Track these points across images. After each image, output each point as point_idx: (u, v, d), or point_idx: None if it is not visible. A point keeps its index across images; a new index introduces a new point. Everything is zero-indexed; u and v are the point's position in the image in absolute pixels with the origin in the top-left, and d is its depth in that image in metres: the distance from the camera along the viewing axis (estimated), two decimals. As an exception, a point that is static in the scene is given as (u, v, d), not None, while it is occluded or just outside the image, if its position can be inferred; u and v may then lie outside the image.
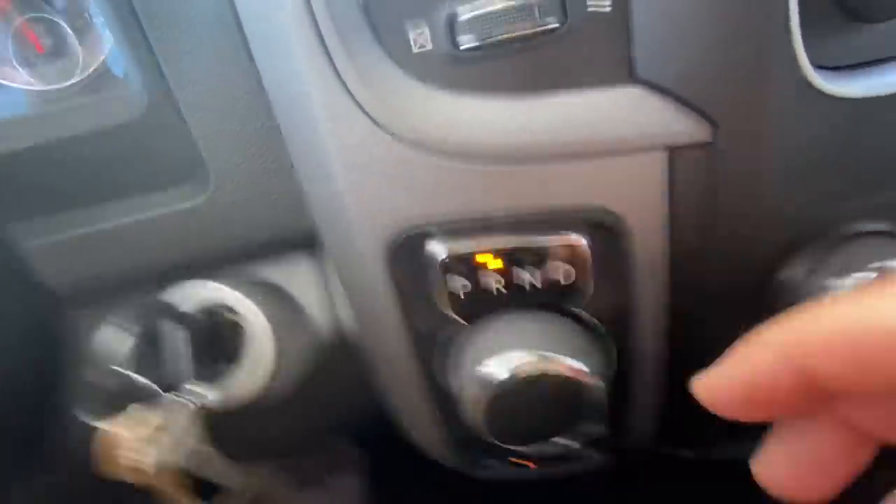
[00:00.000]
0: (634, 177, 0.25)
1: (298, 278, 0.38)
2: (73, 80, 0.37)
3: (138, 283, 0.37)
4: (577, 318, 0.29)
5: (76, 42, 0.37)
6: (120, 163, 0.34)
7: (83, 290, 0.37)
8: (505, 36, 0.23)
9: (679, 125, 0.24)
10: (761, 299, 0.28)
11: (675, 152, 0.24)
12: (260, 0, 0.25)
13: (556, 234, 0.26)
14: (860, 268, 0.25)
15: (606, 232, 0.26)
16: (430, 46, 0.23)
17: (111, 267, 0.37)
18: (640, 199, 0.26)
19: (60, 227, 0.35)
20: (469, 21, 0.22)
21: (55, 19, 0.37)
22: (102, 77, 0.37)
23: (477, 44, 0.23)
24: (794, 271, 0.27)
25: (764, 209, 0.26)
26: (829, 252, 0.27)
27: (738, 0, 0.21)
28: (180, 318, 0.33)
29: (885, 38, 0.24)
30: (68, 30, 0.37)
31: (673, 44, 0.22)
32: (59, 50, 0.37)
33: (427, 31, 0.23)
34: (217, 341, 0.36)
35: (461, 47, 0.23)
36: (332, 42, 0.23)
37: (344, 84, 0.24)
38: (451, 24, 0.23)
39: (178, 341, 0.32)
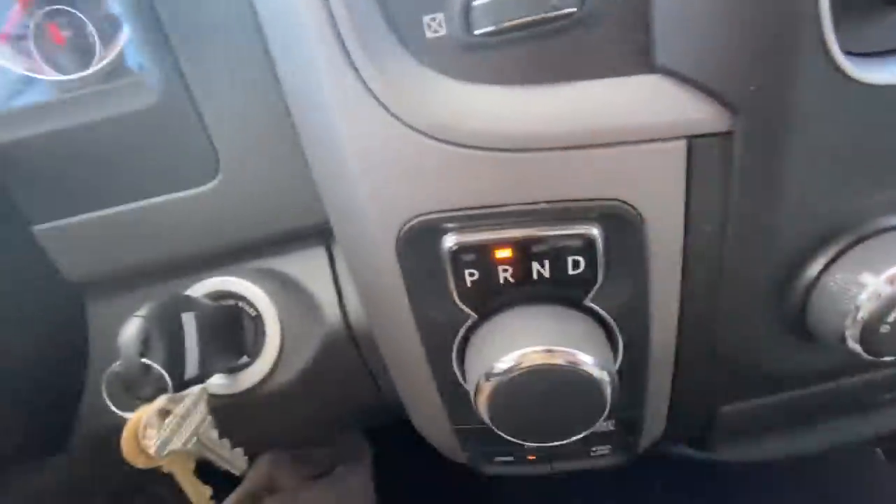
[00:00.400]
0: (652, 167, 0.24)
1: (309, 269, 0.38)
2: (90, 71, 0.37)
3: (154, 274, 0.38)
4: (586, 311, 0.28)
5: (95, 34, 0.38)
6: (134, 150, 0.34)
7: (101, 281, 0.38)
8: (520, 21, 0.22)
9: (699, 114, 0.23)
10: (786, 297, 0.27)
11: (694, 142, 0.24)
12: None
13: (569, 226, 0.26)
14: (889, 265, 0.24)
15: (620, 224, 0.26)
16: (443, 32, 0.23)
17: (126, 255, 0.37)
18: (656, 191, 0.25)
19: (75, 211, 0.36)
20: (484, 6, 0.22)
21: (75, 12, 0.37)
22: (118, 68, 0.37)
23: (492, 28, 0.22)
24: (823, 267, 0.26)
25: (787, 201, 0.25)
26: (860, 247, 0.26)
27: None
28: (195, 308, 0.33)
29: None
30: (87, 22, 0.38)
31: (694, 29, 0.22)
32: (78, 42, 0.38)
33: (441, 17, 0.23)
34: (227, 330, 0.37)
35: (476, 32, 0.22)
36: (346, 30, 0.23)
37: (357, 72, 0.24)
38: (466, 10, 0.22)
39: (192, 331, 0.32)
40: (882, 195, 0.25)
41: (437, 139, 0.24)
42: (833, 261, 0.26)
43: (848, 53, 0.22)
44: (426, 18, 0.23)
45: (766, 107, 0.23)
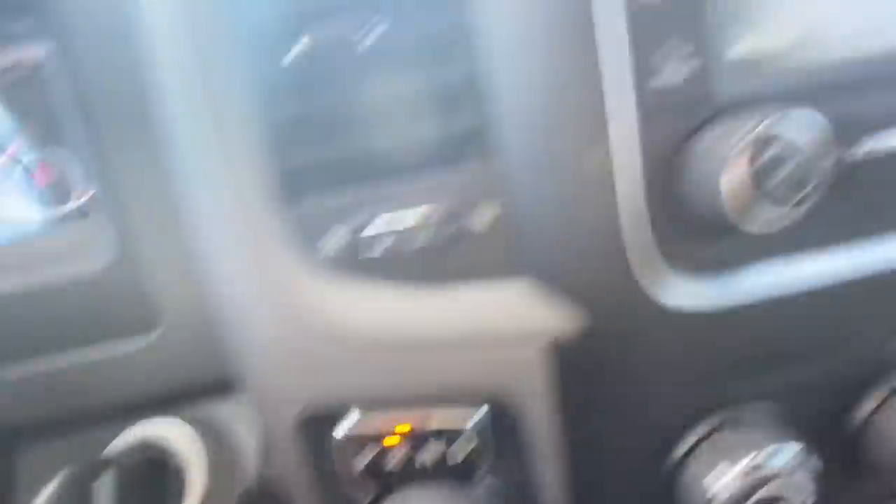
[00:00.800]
0: (523, 362, 0.27)
1: (235, 418, 0.39)
2: (65, 209, 0.40)
3: (85, 422, 0.39)
4: (479, 491, 0.30)
5: (73, 176, 0.41)
6: (81, 305, 0.36)
7: (31, 429, 0.39)
8: (400, 248, 0.26)
9: (561, 315, 0.26)
10: (658, 478, 0.29)
11: (558, 339, 0.27)
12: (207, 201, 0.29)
13: (453, 414, 0.28)
14: (743, 456, 0.27)
15: (501, 410, 0.28)
16: (333, 254, 0.27)
17: (58, 404, 0.38)
18: (530, 383, 0.28)
19: (14, 360, 0.37)
20: (366, 239, 0.26)
21: (58, 158, 0.41)
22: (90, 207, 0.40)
23: (377, 256, 0.26)
24: (686, 450, 0.29)
25: (642, 391, 0.27)
26: (717, 433, 0.28)
27: (599, 217, 0.24)
28: (114, 467, 0.34)
29: (742, 245, 0.27)
30: (69, 167, 0.41)
31: (547, 248, 0.26)
32: (57, 183, 0.41)
33: (334, 241, 0.27)
34: (148, 485, 0.37)
35: (361, 258, 0.26)
36: (248, 246, 0.27)
37: (262, 276, 0.27)
38: (353, 241, 0.26)
39: (107, 494, 0.33)
40: (727, 387, 0.28)
41: (327, 338, 0.27)
42: (693, 449, 0.28)
43: (685, 269, 0.25)
44: (320, 242, 0.27)
45: (614, 313, 0.26)
